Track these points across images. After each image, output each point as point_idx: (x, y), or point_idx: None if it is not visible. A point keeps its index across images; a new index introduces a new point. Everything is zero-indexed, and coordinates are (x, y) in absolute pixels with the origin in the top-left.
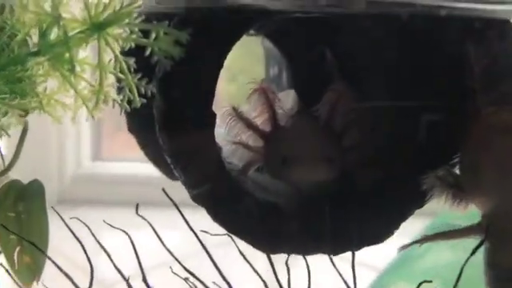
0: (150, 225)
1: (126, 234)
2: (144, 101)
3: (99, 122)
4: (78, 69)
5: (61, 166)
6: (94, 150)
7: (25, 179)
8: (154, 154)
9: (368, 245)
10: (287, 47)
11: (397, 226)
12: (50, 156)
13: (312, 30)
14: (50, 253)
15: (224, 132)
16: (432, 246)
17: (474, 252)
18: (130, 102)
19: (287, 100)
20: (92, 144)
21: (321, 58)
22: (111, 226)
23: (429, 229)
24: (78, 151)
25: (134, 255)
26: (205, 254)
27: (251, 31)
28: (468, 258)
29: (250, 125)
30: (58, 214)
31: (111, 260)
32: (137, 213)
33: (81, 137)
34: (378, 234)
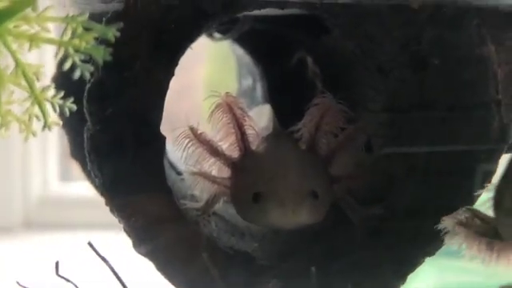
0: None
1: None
2: (60, 123)
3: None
4: None
5: (25, 186)
6: (62, 168)
7: None
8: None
9: None
10: (261, 53)
11: (403, 280)
12: (14, 175)
13: (290, 31)
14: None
15: (181, 159)
16: (428, 263)
17: None
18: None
19: (261, 117)
20: (60, 162)
21: (301, 65)
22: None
23: None
24: (44, 170)
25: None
26: None
27: (217, 35)
28: None
29: (212, 150)
30: None
31: None
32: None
33: (47, 154)
34: None
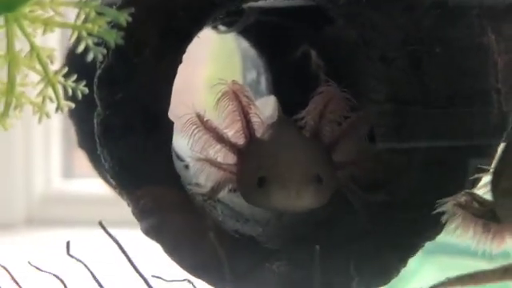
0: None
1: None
2: (72, 105)
3: (70, 133)
4: None
5: (28, 183)
6: (65, 165)
7: None
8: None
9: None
10: (265, 46)
11: (404, 263)
12: (17, 172)
13: (294, 23)
14: None
15: (187, 145)
16: (427, 262)
17: None
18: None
19: (266, 108)
20: (62, 159)
21: (305, 58)
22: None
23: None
24: (46, 167)
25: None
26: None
27: (223, 27)
28: None
29: (218, 137)
30: None
31: None
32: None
33: (50, 151)
34: (381, 273)
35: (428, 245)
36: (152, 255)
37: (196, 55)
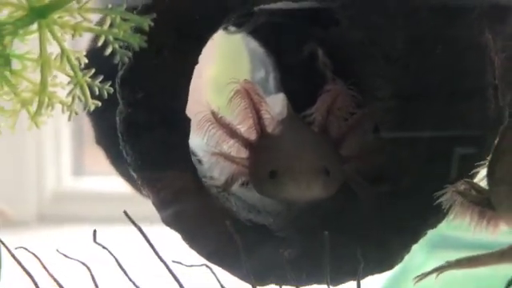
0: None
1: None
2: (99, 103)
3: (81, 131)
4: (16, 65)
5: (39, 181)
6: (76, 163)
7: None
8: (124, 169)
9: (375, 273)
10: (274, 46)
11: (408, 250)
12: (28, 170)
13: (301, 24)
14: None
15: (202, 141)
16: (432, 256)
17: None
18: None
19: (275, 104)
20: (73, 157)
21: (312, 56)
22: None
23: (424, 244)
24: (57, 164)
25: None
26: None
27: (232, 28)
28: None
29: (232, 132)
30: None
31: None
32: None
33: (61, 148)
34: (386, 259)
35: (433, 239)
36: (162, 250)
37: (203, 55)
